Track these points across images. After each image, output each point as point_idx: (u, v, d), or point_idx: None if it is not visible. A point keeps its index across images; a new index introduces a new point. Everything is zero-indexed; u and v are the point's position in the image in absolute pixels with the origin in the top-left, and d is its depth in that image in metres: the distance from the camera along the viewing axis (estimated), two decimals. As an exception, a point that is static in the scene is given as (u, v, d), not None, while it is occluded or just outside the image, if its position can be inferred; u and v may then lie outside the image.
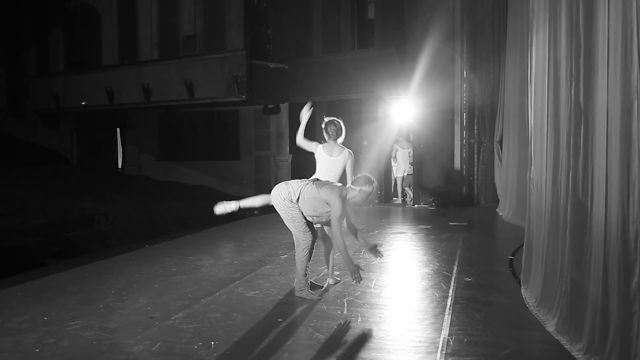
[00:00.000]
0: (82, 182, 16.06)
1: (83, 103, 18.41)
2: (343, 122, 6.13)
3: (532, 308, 4.97)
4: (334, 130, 6.08)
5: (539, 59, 5.35)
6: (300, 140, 6.23)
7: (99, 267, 7.30)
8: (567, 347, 3.98)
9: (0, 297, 5.86)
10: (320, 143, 6.14)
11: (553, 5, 4.78)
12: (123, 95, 17.08)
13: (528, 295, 5.33)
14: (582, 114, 3.95)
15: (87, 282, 6.42)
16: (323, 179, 5.67)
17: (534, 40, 5.55)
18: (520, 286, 5.87)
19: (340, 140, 6.11)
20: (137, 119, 19.22)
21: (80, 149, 20.22)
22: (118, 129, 20.00)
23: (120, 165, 19.94)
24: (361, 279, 5.13)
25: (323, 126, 6.19)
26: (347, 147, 6.10)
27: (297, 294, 5.50)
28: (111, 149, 20.24)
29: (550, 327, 4.39)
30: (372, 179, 5.38)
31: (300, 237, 5.45)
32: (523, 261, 5.92)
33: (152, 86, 16.24)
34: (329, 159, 6.00)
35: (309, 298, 5.41)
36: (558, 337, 4.19)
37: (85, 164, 19.67)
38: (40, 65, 20.34)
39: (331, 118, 6.22)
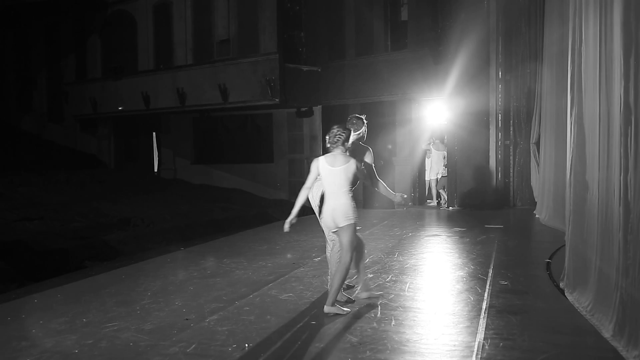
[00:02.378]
0: (119, 185, 16.34)
1: (120, 108, 18.75)
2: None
3: (584, 313, 4.83)
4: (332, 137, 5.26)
5: (588, 57, 5.17)
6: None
7: (136, 270, 7.41)
8: (624, 353, 3.87)
9: (41, 298, 6.00)
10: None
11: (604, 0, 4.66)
12: (159, 100, 17.33)
13: (576, 299, 5.18)
14: (632, 114, 3.85)
15: (124, 285, 6.52)
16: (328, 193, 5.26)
17: (583, 37, 5.35)
18: (558, 290, 5.76)
19: (352, 140, 5.44)
20: (172, 123, 19.48)
21: (117, 153, 20.58)
22: (154, 133, 20.29)
23: (156, 169, 20.21)
24: (404, 203, 5.43)
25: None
26: (370, 147, 5.62)
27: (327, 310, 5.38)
28: (147, 153, 20.53)
29: (607, 332, 4.26)
30: (352, 116, 5.70)
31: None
32: (566, 264, 5.75)
33: (186, 91, 16.44)
34: (331, 170, 5.17)
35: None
36: (614, 343, 4.07)
37: (122, 167, 20.01)
38: (78, 71, 20.78)
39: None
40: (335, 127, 5.28)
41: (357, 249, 5.30)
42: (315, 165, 5.21)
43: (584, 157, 5.30)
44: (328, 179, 5.14)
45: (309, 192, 5.35)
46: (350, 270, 5.23)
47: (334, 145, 5.19)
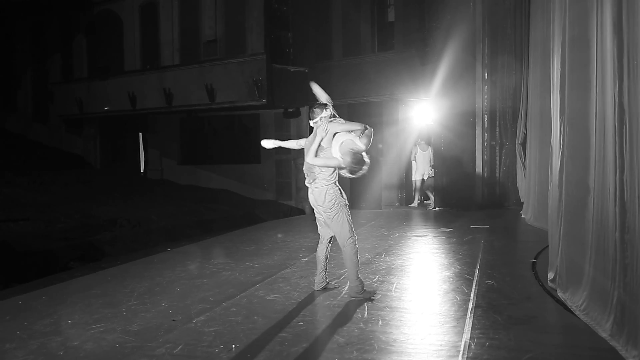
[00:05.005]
0: (105, 186, 16.23)
1: (106, 108, 18.63)
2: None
3: (577, 312, 4.85)
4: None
5: (582, 56, 5.12)
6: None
7: (122, 271, 7.37)
8: (623, 353, 3.89)
9: (26, 300, 5.95)
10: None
11: None
12: (145, 100, 17.24)
13: (569, 298, 5.19)
14: (627, 114, 3.88)
15: (110, 286, 6.49)
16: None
17: (576, 35, 5.32)
18: (544, 289, 5.80)
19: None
20: (159, 124, 19.39)
21: (104, 153, 20.45)
22: (140, 134, 20.19)
23: (142, 170, 20.11)
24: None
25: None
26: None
27: (352, 296, 5.54)
28: (134, 153, 20.43)
29: (604, 332, 4.27)
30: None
31: (350, 235, 5.49)
32: (558, 264, 5.77)
33: (173, 91, 16.37)
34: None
35: (371, 297, 5.51)
36: (612, 342, 4.09)
37: (108, 168, 19.89)
38: (64, 71, 20.63)
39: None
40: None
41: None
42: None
43: (577, 157, 5.29)
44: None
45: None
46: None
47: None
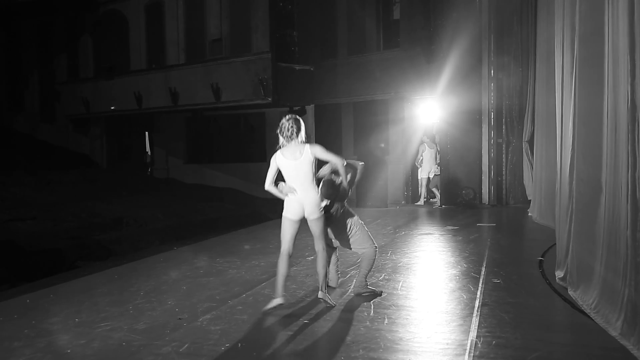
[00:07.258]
0: (111, 185, 16.30)
1: (112, 108, 18.70)
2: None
3: (588, 311, 4.81)
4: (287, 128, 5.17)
5: (594, 51, 5.01)
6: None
7: (128, 269, 7.39)
8: (634, 352, 3.85)
9: (33, 299, 5.98)
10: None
11: None
12: (151, 100, 17.29)
13: (580, 297, 5.15)
14: (639, 112, 3.85)
15: (117, 284, 6.50)
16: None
17: (585, 30, 5.23)
18: (551, 288, 5.78)
19: (300, 138, 5.21)
20: (165, 123, 19.44)
21: (110, 152, 20.54)
22: (146, 133, 20.25)
23: (148, 169, 20.18)
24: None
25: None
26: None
27: (357, 292, 5.58)
28: (140, 152, 20.50)
29: (614, 331, 4.23)
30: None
31: (370, 243, 5.57)
32: (569, 263, 5.71)
33: (179, 90, 16.41)
34: (292, 163, 5.22)
35: (374, 291, 5.58)
36: (623, 341, 4.06)
37: (115, 167, 19.97)
38: (70, 71, 20.72)
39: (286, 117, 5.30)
40: (283, 119, 5.24)
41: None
42: (274, 160, 5.29)
43: (588, 155, 5.23)
44: (291, 173, 5.24)
45: (272, 187, 5.41)
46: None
47: (290, 138, 5.18)
